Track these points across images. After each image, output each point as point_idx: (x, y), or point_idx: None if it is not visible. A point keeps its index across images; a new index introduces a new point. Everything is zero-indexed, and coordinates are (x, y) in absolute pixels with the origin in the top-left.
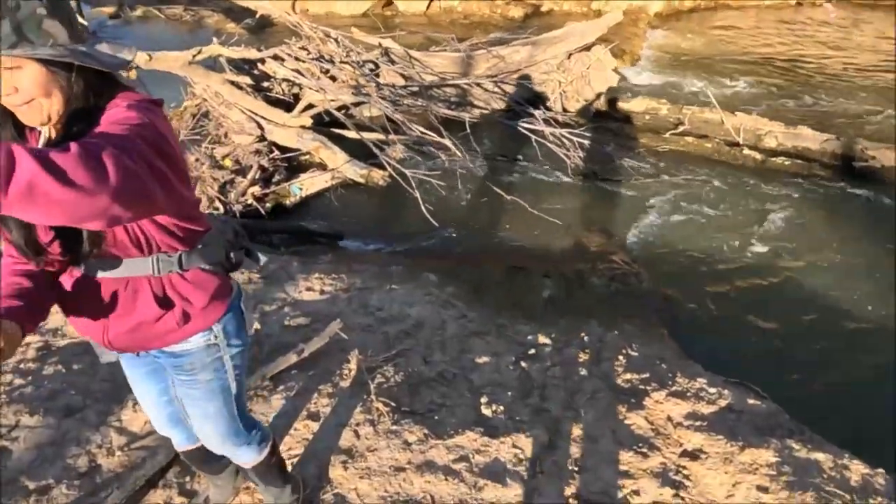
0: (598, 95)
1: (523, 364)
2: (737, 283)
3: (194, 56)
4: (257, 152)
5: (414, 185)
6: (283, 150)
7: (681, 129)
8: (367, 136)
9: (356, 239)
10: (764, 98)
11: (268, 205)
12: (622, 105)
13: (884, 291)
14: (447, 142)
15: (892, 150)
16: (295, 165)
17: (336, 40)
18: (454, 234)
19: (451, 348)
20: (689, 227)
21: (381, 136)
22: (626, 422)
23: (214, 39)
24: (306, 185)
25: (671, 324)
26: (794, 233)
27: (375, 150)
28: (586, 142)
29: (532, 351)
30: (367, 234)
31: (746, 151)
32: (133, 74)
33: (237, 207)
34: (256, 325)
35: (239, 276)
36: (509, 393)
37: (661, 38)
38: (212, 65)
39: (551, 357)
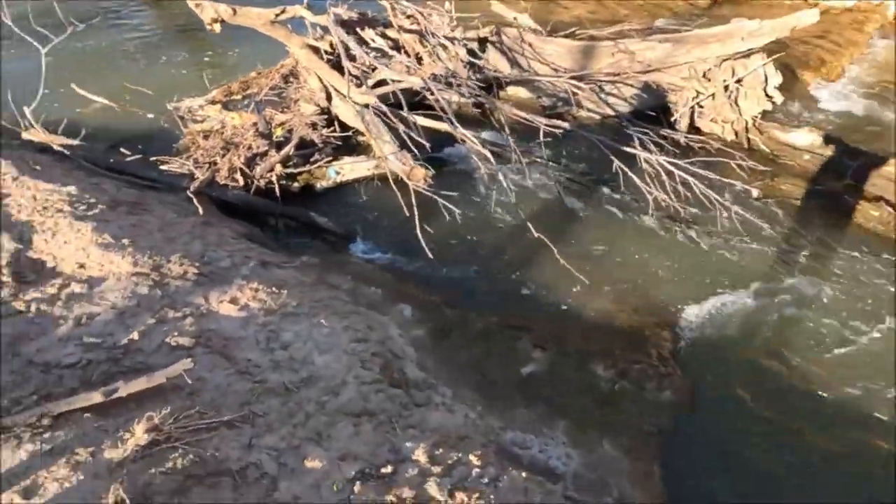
0: (745, 118)
1: (356, 485)
2: (813, 433)
3: (277, 15)
4: (312, 125)
5: (414, 196)
6: (344, 127)
7: (844, 182)
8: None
9: (368, 242)
10: None
11: (296, 184)
12: (776, 134)
13: None
14: (485, 151)
15: None
16: (352, 145)
17: (449, 14)
18: (467, 263)
19: (304, 429)
20: (784, 328)
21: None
22: None
23: None
24: (346, 170)
25: (677, 458)
26: None
27: (384, 153)
28: (691, 178)
29: (389, 468)
30: (384, 240)
31: None
32: (217, 28)
33: (260, 183)
34: (133, 335)
35: (177, 268)
36: None
37: (884, 49)
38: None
39: (408, 483)
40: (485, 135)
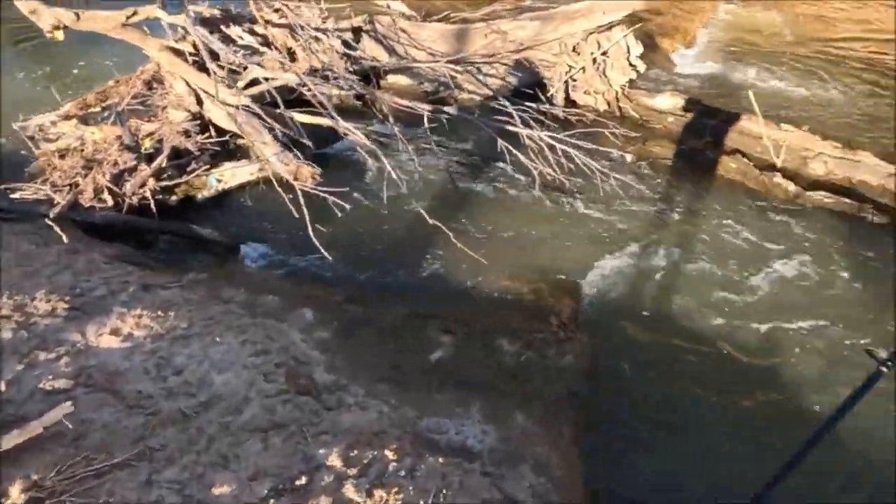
0: (614, 88)
1: (270, 503)
2: (706, 375)
3: (128, 18)
4: (185, 133)
5: (302, 197)
6: (221, 132)
7: (704, 140)
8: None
9: (260, 249)
10: (835, 106)
11: (174, 197)
12: (643, 101)
13: None
14: (369, 143)
15: None
16: (231, 150)
17: (319, 6)
18: (366, 258)
19: (208, 455)
20: (672, 280)
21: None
22: None
23: None
24: (227, 176)
25: (587, 420)
26: (814, 310)
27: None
28: (572, 150)
29: (303, 479)
30: (277, 245)
31: (779, 180)
32: (59, 36)
33: (133, 200)
34: None
35: (43, 305)
36: None
37: (729, 13)
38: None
39: (324, 490)
40: (374, 126)
